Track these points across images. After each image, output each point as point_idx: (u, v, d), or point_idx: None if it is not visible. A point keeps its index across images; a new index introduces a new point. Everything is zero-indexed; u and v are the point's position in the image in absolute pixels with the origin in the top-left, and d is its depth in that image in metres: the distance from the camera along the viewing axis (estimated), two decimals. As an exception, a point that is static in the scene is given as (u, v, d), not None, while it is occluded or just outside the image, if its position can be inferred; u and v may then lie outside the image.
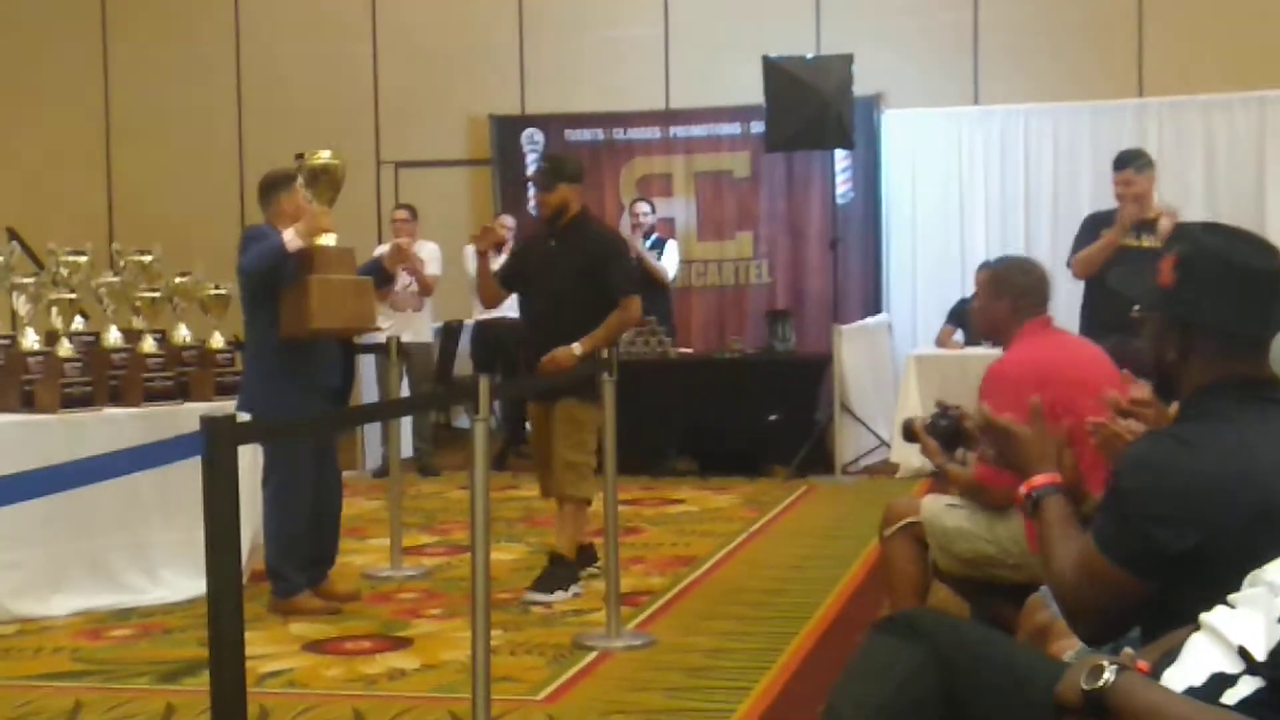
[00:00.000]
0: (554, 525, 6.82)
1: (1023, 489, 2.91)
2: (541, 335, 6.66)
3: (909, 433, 4.65)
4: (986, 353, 9.97)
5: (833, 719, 2.47)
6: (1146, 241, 7.46)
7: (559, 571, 6.54)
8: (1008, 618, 4.43)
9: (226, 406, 6.17)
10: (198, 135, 13.07)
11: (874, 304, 11.81)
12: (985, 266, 5.61)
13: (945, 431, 4.53)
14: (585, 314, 6.56)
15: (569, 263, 6.63)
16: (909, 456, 10.02)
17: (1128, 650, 2.39)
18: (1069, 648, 2.98)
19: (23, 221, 12.09)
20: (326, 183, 6.34)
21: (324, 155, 6.37)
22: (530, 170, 12.44)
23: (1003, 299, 4.89)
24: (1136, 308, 2.81)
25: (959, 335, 10.58)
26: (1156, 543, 2.53)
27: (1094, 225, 7.81)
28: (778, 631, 5.82)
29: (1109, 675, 2.17)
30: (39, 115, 13.45)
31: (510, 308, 11.00)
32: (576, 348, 6.49)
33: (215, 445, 3.01)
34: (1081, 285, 7.86)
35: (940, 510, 4.89)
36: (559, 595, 6.42)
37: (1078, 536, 2.73)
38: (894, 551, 4.91)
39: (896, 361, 11.14)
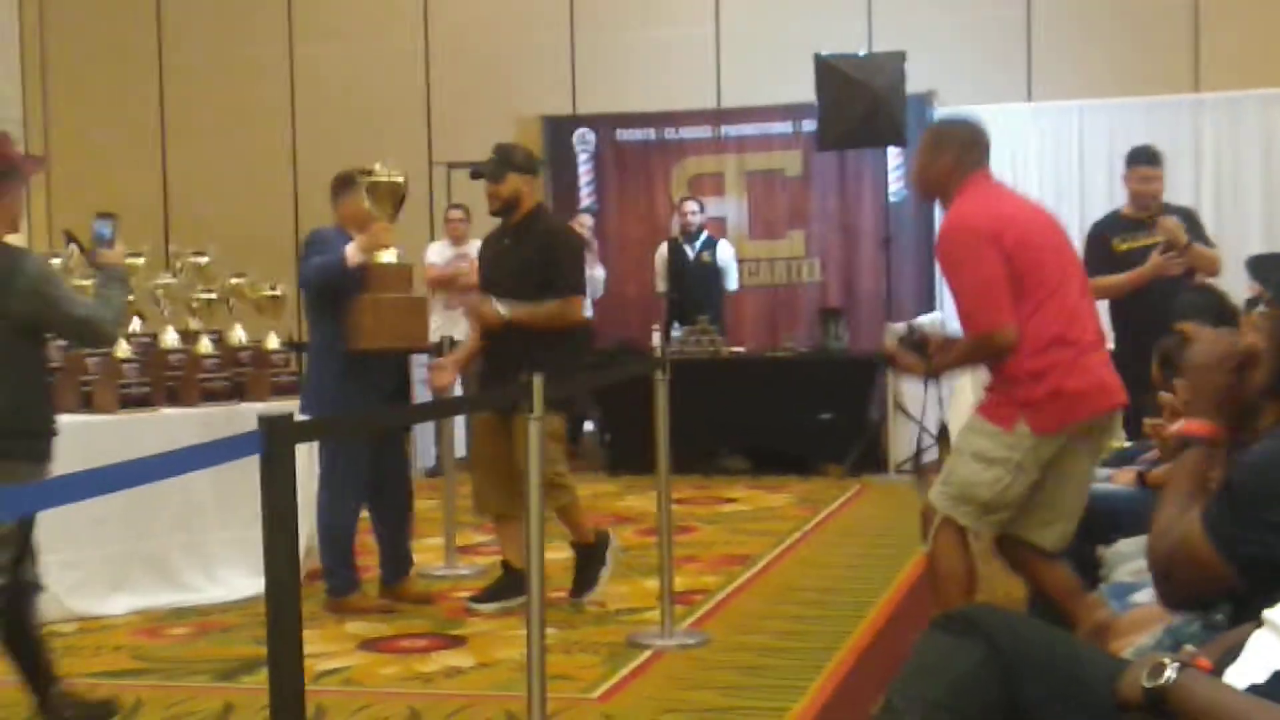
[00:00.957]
0: (503, 543, 6.45)
1: (1182, 428, 2.86)
2: (496, 338, 6.31)
3: (890, 361, 4.96)
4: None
5: (890, 717, 2.46)
6: (1143, 240, 7.23)
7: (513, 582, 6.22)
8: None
9: (283, 406, 6.21)
10: (252, 136, 13.15)
11: (927, 302, 11.74)
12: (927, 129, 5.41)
13: (915, 347, 4.92)
14: None
15: (522, 261, 6.26)
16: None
17: (1188, 647, 2.37)
18: (1129, 645, 2.96)
19: (80, 224, 12.21)
20: (387, 197, 6.33)
21: (385, 171, 6.36)
22: (582, 170, 12.48)
23: (945, 154, 4.70)
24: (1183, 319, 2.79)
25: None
26: (1268, 548, 2.50)
27: (1100, 239, 7.36)
28: (832, 630, 5.80)
29: (1170, 673, 2.16)
30: (96, 118, 13.58)
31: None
32: (504, 309, 6.19)
33: (273, 444, 3.03)
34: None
35: (944, 485, 4.71)
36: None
37: (1195, 503, 2.69)
38: (937, 549, 4.72)
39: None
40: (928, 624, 2.59)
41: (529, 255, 6.26)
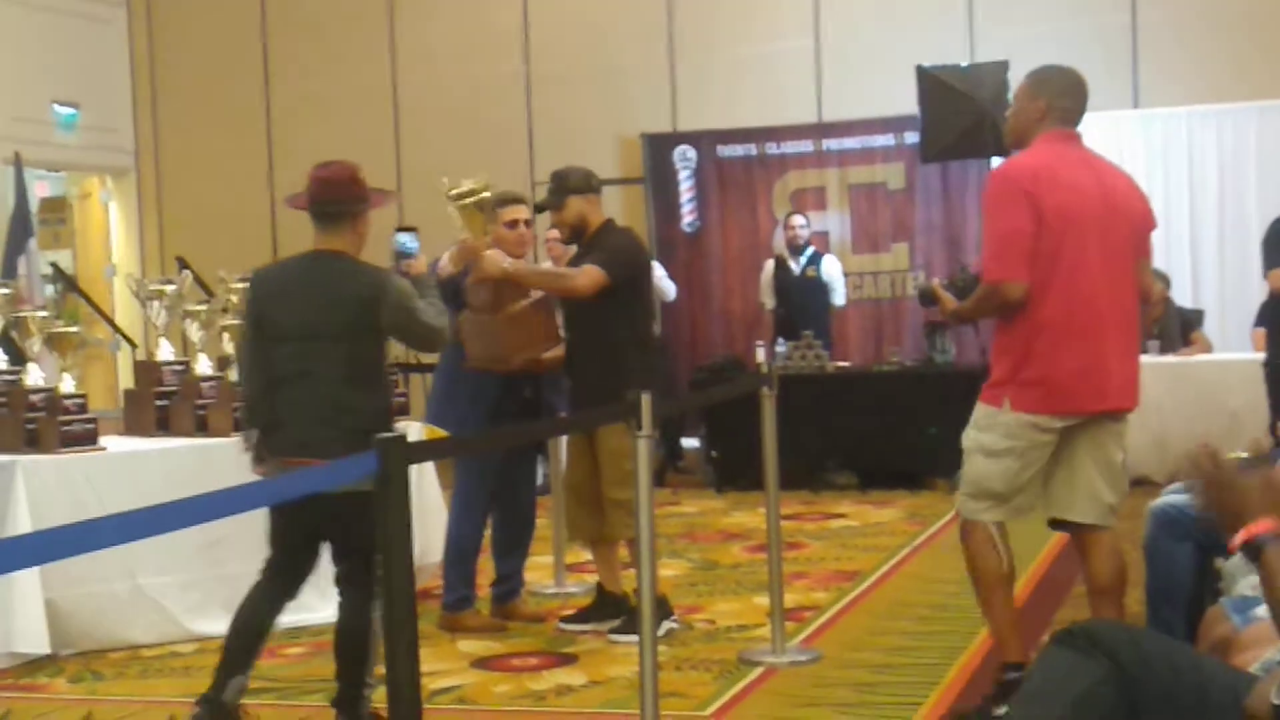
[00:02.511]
0: (598, 567, 6.42)
1: (1240, 537, 2.75)
2: (575, 368, 6.21)
3: (927, 296, 4.99)
4: (1161, 361, 9.79)
5: (1012, 734, 2.43)
6: None
7: (607, 606, 6.28)
8: None
9: (400, 427, 6.26)
10: (356, 159, 13.24)
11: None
12: None
13: (959, 292, 4.99)
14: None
15: None
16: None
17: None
18: (1254, 659, 2.90)
19: (192, 250, 12.44)
20: (474, 211, 6.19)
21: (466, 182, 6.20)
22: (683, 187, 12.48)
23: (1039, 100, 4.63)
24: None
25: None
26: None
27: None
28: (944, 646, 5.75)
29: (1301, 688, 2.11)
30: (206, 147, 13.83)
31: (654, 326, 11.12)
32: (508, 263, 6.05)
33: (388, 464, 3.07)
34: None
35: (962, 490, 4.77)
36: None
37: None
38: (971, 551, 4.74)
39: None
40: (1049, 639, 2.56)
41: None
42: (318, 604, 6.55)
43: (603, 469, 6.05)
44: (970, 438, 4.73)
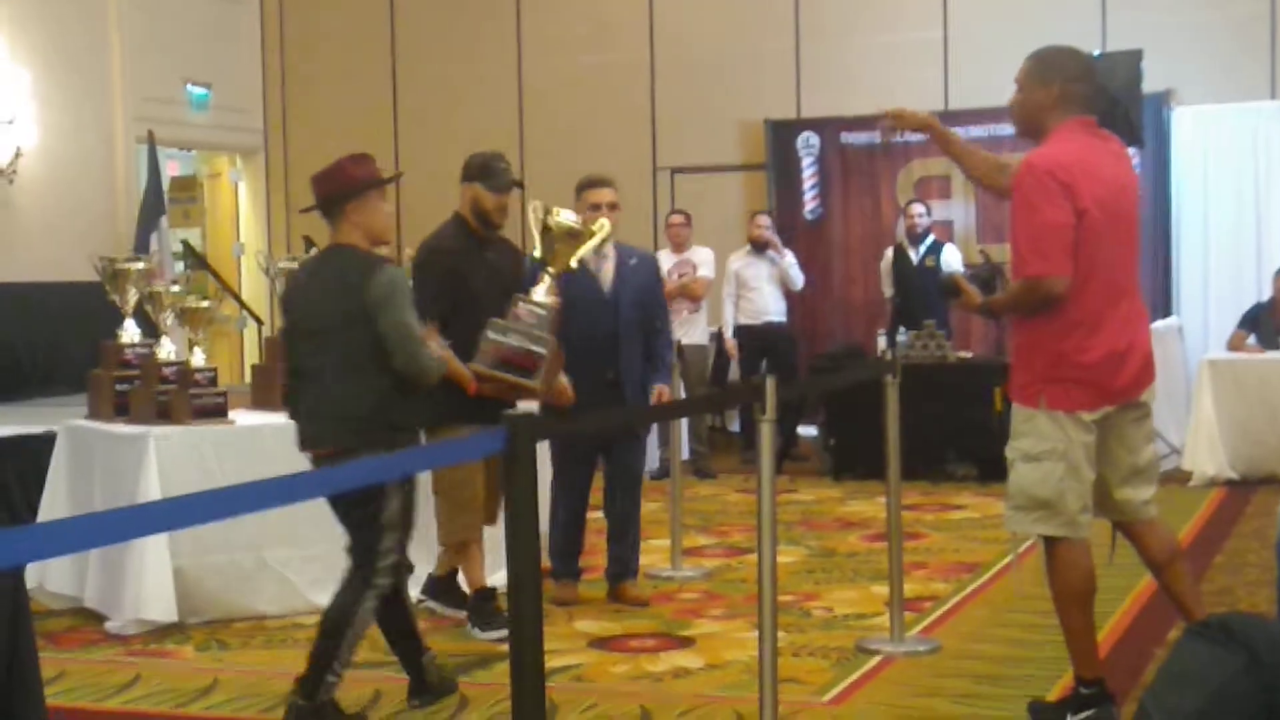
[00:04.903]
0: (475, 562, 6.20)
1: None
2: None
3: (950, 288, 4.85)
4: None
5: (1145, 725, 2.40)
6: None
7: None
8: None
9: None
10: (480, 145, 13.31)
11: (1164, 307, 11.40)
12: None
13: (983, 281, 4.86)
14: None
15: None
16: (1201, 464, 9.69)
17: None
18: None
19: (318, 231, 12.57)
20: (565, 248, 6.08)
21: (567, 215, 6.14)
22: (806, 174, 12.42)
23: (1050, 85, 4.50)
24: None
25: (1252, 339, 10.18)
26: None
27: None
28: (1067, 640, 5.67)
29: None
30: (333, 129, 13.98)
31: (778, 312, 11.10)
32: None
33: (516, 441, 3.08)
34: None
35: (1011, 507, 4.59)
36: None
37: None
38: (1051, 570, 4.65)
39: (1188, 367, 10.74)
40: (1183, 632, 2.52)
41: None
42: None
43: (446, 470, 5.94)
44: (1010, 447, 4.58)
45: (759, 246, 11.00)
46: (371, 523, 4.78)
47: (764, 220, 11.16)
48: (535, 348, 5.77)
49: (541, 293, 5.93)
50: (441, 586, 6.40)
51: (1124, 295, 4.49)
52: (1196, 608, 4.49)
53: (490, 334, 5.75)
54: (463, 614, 6.17)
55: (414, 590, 6.37)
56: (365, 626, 4.84)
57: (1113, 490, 4.61)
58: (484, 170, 6.17)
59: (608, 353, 6.45)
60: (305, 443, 4.94)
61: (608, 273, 6.53)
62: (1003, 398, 9.17)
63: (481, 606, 6.07)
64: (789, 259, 11.03)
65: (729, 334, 11.03)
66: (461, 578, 6.35)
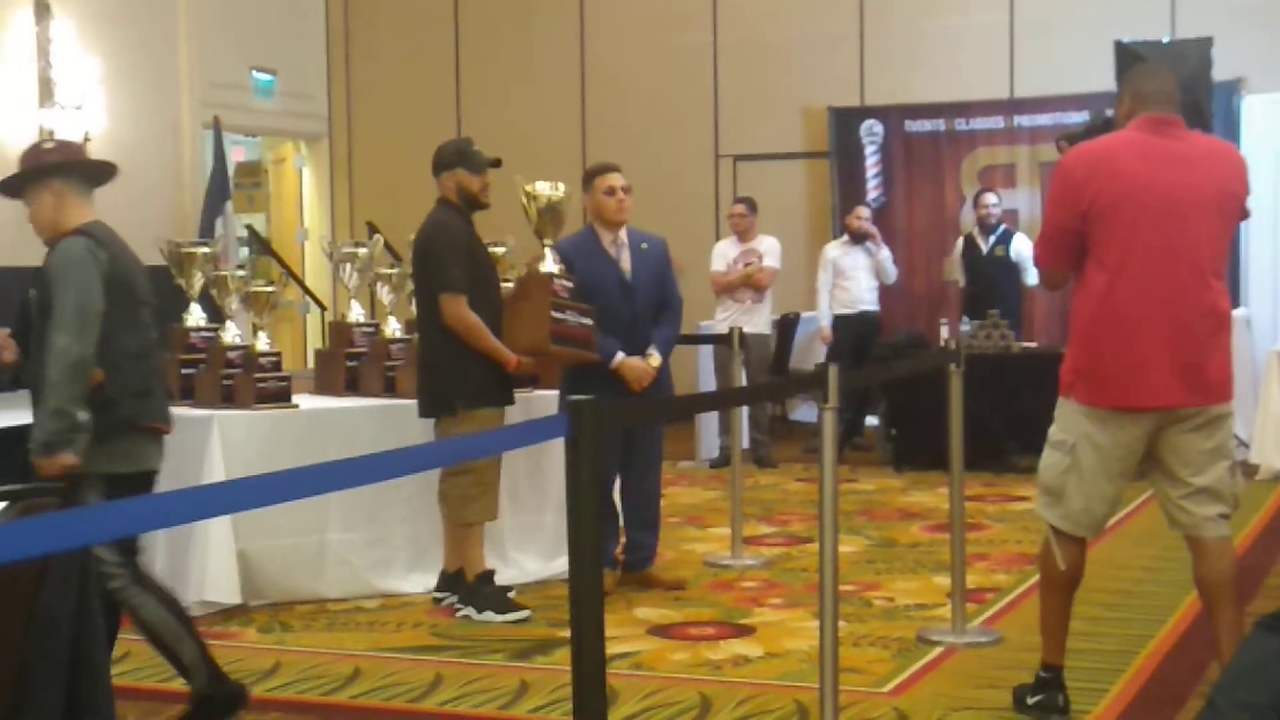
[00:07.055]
0: (479, 545, 6.24)
1: None
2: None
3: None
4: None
5: (1215, 718, 2.36)
6: None
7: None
8: None
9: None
10: (544, 133, 13.38)
11: (1232, 298, 11.23)
12: None
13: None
14: None
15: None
16: (1269, 457, 9.56)
17: None
18: None
19: (380, 216, 12.66)
20: (550, 218, 6.37)
21: (544, 186, 6.38)
22: (869, 162, 12.36)
23: (1124, 100, 4.58)
24: None
25: (1323, 331, 10.06)
26: None
27: None
28: (1133, 634, 5.63)
29: None
30: (397, 115, 14.05)
31: (872, 302, 11.09)
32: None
33: (580, 428, 3.08)
34: None
35: (1039, 495, 4.65)
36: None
37: None
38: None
39: (1256, 358, 10.60)
40: (1255, 625, 2.48)
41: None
42: (498, 566, 6.68)
43: None
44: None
45: (857, 237, 11.03)
46: None
47: (864, 212, 11.23)
48: (585, 320, 6.16)
49: (551, 264, 6.25)
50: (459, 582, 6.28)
51: (1173, 300, 4.33)
52: (1227, 646, 4.26)
53: (553, 314, 6.00)
54: (499, 618, 6.01)
55: (414, 587, 6.47)
56: (157, 617, 4.61)
57: (1173, 499, 4.55)
58: (461, 155, 6.33)
59: (631, 336, 6.50)
60: None
61: (626, 259, 6.58)
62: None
63: (482, 589, 6.08)
64: (885, 253, 11.09)
65: (825, 323, 11.06)
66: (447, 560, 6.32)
